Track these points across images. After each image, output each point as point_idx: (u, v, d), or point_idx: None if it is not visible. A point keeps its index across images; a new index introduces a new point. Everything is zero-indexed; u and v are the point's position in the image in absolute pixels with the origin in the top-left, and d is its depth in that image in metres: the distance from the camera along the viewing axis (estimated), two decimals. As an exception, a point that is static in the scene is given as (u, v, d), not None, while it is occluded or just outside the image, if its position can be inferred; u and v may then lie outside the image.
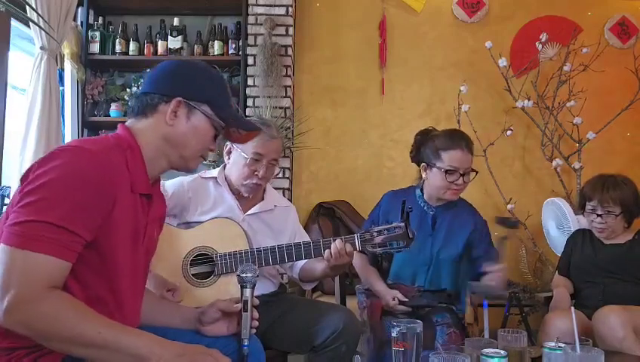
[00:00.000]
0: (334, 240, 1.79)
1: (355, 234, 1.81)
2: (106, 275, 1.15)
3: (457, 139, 2.07)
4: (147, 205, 1.27)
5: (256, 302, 1.37)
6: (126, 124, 1.29)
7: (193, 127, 1.27)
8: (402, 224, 1.76)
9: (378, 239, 1.78)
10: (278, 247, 1.83)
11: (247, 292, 1.33)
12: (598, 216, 2.30)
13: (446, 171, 2.02)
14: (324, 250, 1.80)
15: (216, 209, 1.93)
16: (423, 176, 2.12)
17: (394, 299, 2.01)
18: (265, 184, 2.00)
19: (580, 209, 2.48)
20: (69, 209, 1.04)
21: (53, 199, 1.04)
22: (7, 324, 1.00)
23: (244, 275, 1.34)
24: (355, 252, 1.82)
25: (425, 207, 2.13)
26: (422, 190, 2.16)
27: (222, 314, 1.41)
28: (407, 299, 2.01)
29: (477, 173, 2.10)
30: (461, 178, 2.03)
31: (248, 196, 1.97)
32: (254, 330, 1.36)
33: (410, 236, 1.76)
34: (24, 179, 1.08)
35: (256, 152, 1.90)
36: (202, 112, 1.28)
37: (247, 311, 1.32)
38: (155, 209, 1.31)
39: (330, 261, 1.79)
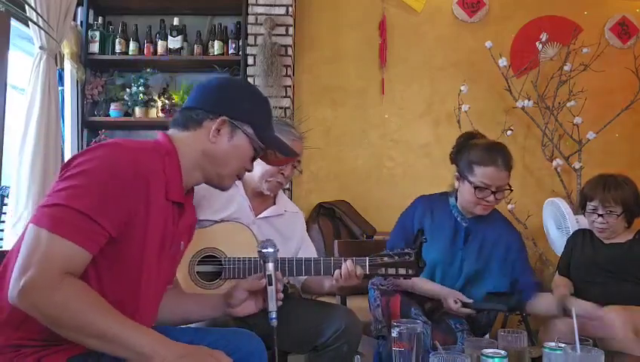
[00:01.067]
0: (345, 261, 1.75)
1: (366, 258, 1.76)
2: (128, 280, 1.16)
3: (494, 154, 1.94)
4: (178, 215, 1.28)
5: (280, 275, 1.42)
6: (167, 132, 1.31)
7: (234, 147, 1.30)
8: (413, 252, 1.73)
9: (388, 265, 1.74)
10: (288, 260, 1.80)
11: (270, 266, 1.38)
12: (600, 215, 2.30)
13: (476, 187, 1.93)
14: (334, 270, 1.76)
15: (228, 208, 1.92)
16: (456, 185, 2.04)
17: (456, 302, 1.91)
18: (285, 184, 2.02)
19: (580, 209, 2.48)
20: (99, 200, 1.07)
21: (86, 188, 1.07)
22: (19, 304, 1.02)
23: (265, 250, 1.38)
24: None
25: (459, 218, 2.05)
26: (456, 198, 2.07)
27: (248, 294, 1.46)
28: (470, 301, 1.92)
29: (512, 190, 1.99)
30: (492, 195, 1.93)
31: (269, 194, 1.97)
32: (280, 302, 1.40)
33: (421, 265, 1.73)
34: (65, 166, 1.12)
35: None
36: (245, 133, 1.31)
37: (272, 285, 1.37)
38: (185, 219, 1.32)
39: (339, 281, 1.75)
